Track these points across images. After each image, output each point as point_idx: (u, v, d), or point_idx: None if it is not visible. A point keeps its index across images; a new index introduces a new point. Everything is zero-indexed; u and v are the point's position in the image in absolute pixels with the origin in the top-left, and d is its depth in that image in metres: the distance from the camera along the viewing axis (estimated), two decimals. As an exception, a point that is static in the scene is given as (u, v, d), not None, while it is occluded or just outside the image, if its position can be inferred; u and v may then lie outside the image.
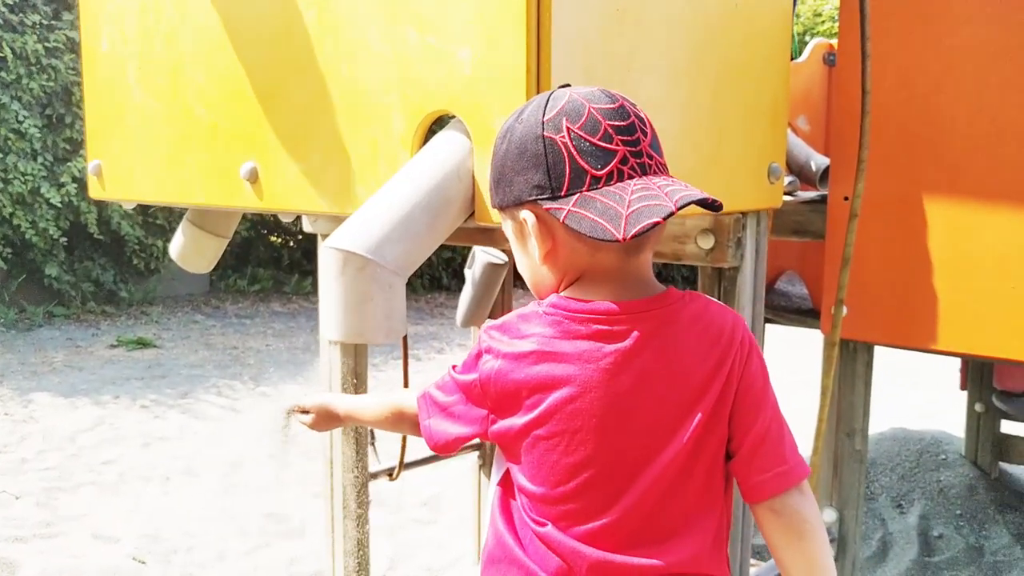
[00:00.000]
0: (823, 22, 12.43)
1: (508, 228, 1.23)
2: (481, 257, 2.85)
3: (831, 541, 2.53)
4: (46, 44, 7.71)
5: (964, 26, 2.12)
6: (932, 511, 3.77)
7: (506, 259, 2.84)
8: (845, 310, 2.24)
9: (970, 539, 3.61)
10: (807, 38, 3.37)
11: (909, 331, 2.26)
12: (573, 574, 1.17)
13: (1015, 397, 3.80)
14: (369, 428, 2.77)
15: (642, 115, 1.15)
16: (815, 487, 2.34)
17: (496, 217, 1.44)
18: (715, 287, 1.93)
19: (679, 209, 1.06)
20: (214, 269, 9.47)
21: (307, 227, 2.51)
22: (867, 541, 3.62)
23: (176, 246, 2.45)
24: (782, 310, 3.04)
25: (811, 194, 2.63)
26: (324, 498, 2.68)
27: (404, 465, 2.82)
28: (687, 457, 1.16)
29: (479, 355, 1.21)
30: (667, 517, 1.17)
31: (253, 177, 1.83)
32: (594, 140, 1.10)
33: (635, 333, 1.14)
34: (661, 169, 1.15)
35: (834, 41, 3.34)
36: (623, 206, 1.07)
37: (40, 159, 7.66)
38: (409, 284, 1.36)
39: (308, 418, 1.56)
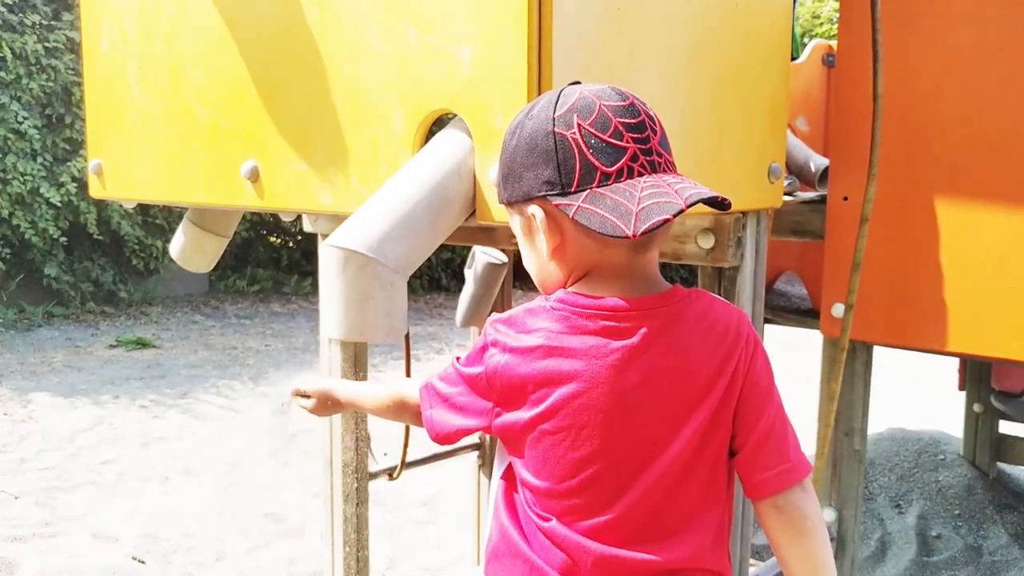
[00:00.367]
0: (821, 24, 12.45)
1: (516, 224, 1.23)
2: (481, 257, 2.86)
3: (830, 541, 2.54)
4: (46, 44, 7.72)
5: (963, 26, 2.12)
6: (930, 511, 3.78)
7: (505, 259, 2.85)
8: (843, 309, 2.24)
9: (968, 539, 3.61)
10: (805, 40, 3.38)
11: (908, 331, 2.26)
12: (578, 569, 1.17)
13: (1013, 397, 3.80)
14: (366, 433, 2.77)
15: (652, 113, 1.16)
16: (818, 490, 2.34)
17: (497, 215, 1.45)
18: (715, 287, 1.94)
19: (689, 207, 1.06)
20: (213, 269, 9.44)
21: (307, 227, 2.52)
22: (866, 541, 3.62)
23: (176, 245, 2.45)
24: (781, 310, 3.04)
25: (810, 194, 2.63)
26: (323, 498, 2.68)
27: (405, 464, 2.83)
28: (692, 453, 1.17)
29: (485, 348, 1.21)
30: (671, 513, 1.18)
31: (254, 176, 1.83)
32: (604, 137, 1.11)
33: (642, 330, 1.15)
34: (670, 167, 1.15)
35: (833, 43, 3.34)
36: (633, 203, 1.07)
37: (40, 159, 7.66)
38: (408, 285, 1.36)
39: (309, 402, 1.55)
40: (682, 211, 1.06)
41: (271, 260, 10.41)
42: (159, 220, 8.65)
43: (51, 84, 7.77)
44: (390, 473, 2.85)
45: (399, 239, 1.37)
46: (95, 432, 5.20)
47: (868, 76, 2.11)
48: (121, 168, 2.18)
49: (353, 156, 1.66)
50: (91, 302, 8.45)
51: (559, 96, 1.15)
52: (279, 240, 10.54)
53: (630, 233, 1.05)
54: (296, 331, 8.35)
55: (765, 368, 1.22)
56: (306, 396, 1.56)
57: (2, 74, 7.45)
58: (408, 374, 2.62)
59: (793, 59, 2.10)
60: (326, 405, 1.55)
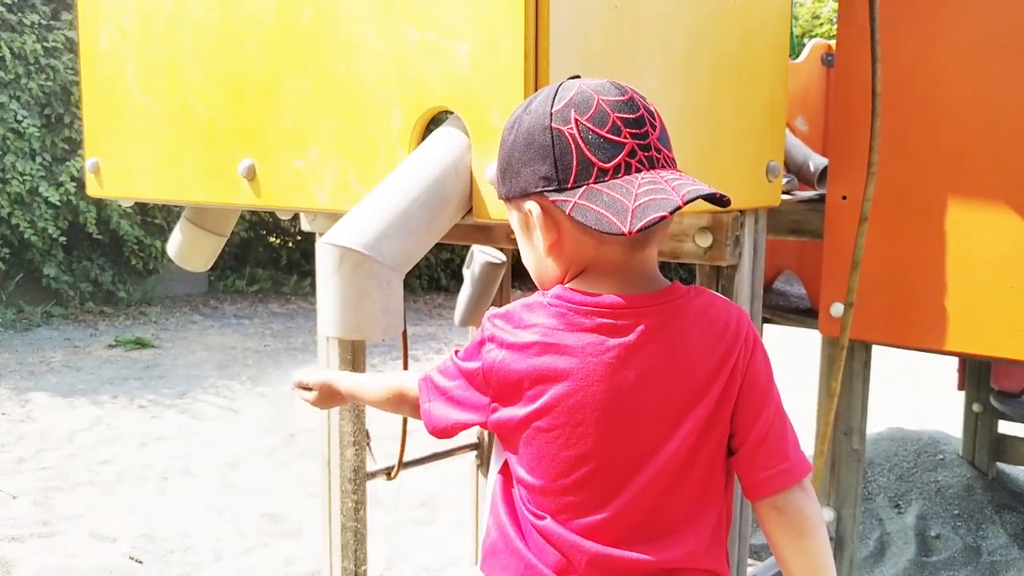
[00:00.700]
0: (821, 24, 12.45)
1: (513, 219, 1.22)
2: (479, 257, 2.85)
3: (829, 540, 2.53)
4: (45, 44, 7.72)
5: (962, 24, 2.12)
6: (930, 511, 3.77)
7: (504, 259, 2.84)
8: (842, 309, 2.24)
9: (967, 539, 3.61)
10: (805, 40, 3.38)
11: (907, 330, 2.26)
12: (572, 568, 1.16)
13: (1012, 397, 3.80)
14: (365, 430, 2.77)
15: (651, 108, 1.14)
16: (817, 489, 2.33)
17: (493, 213, 1.45)
18: (713, 285, 1.93)
19: (686, 204, 1.05)
20: (213, 269, 9.40)
21: (305, 226, 2.51)
22: (864, 541, 3.62)
23: (174, 244, 2.45)
24: (780, 310, 3.04)
25: (809, 193, 2.63)
26: (321, 498, 2.68)
27: (403, 464, 2.82)
28: (689, 452, 1.16)
29: (482, 343, 1.21)
30: (667, 512, 1.17)
31: (251, 175, 1.83)
32: (602, 132, 1.09)
33: (640, 327, 1.13)
34: (669, 163, 1.14)
35: (833, 42, 3.34)
36: (630, 199, 1.06)
37: (39, 159, 7.66)
38: (407, 285, 1.37)
39: (311, 395, 1.54)
40: (679, 208, 1.05)
41: (270, 260, 10.41)
42: (158, 220, 8.65)
43: (50, 84, 7.77)
44: (388, 473, 2.84)
45: (395, 237, 1.37)
46: (93, 432, 5.20)
47: (867, 75, 2.10)
48: (119, 167, 2.17)
49: (350, 154, 1.66)
50: (90, 302, 8.45)
51: (557, 91, 1.14)
52: (278, 240, 10.55)
53: (626, 230, 1.04)
54: (295, 331, 8.34)
55: (764, 366, 1.21)
56: (308, 388, 1.56)
57: (1, 74, 7.45)
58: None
59: (791, 58, 2.09)
60: (327, 397, 1.54)
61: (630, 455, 1.15)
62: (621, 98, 1.12)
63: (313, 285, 9.09)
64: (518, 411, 1.17)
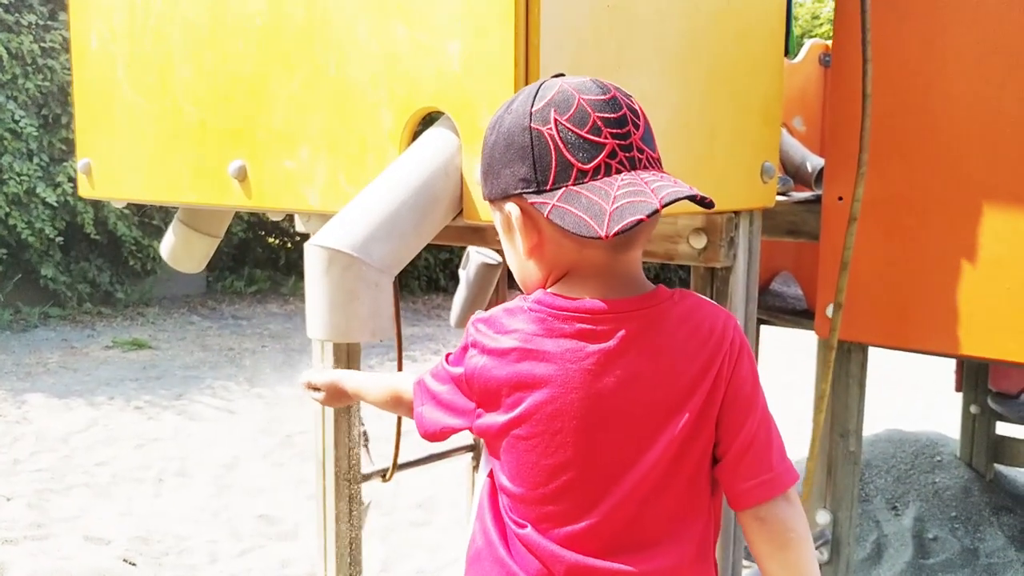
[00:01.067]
0: (821, 25, 12.44)
1: (497, 221, 1.20)
2: (475, 258, 2.85)
3: (825, 543, 2.52)
4: (42, 44, 7.71)
5: (957, 25, 2.11)
6: (927, 513, 3.76)
7: (500, 260, 2.83)
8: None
9: (965, 541, 3.59)
10: (804, 40, 3.37)
11: (904, 332, 2.25)
12: None
13: (1010, 399, 3.79)
14: (362, 430, 2.76)
15: (636, 107, 1.12)
16: (809, 491, 2.32)
17: (483, 215, 1.43)
18: (708, 287, 1.92)
19: (664, 207, 1.02)
20: (211, 270, 9.42)
21: (300, 227, 2.50)
22: (861, 543, 3.61)
23: (167, 246, 2.43)
24: (777, 311, 3.03)
25: (805, 194, 2.61)
26: (316, 499, 2.67)
27: (398, 466, 2.81)
28: (671, 461, 1.13)
29: (466, 348, 1.19)
30: (650, 522, 1.14)
31: (242, 175, 1.81)
32: (582, 132, 1.07)
33: (620, 333, 1.11)
34: (652, 164, 1.11)
35: (831, 42, 3.33)
36: (608, 202, 1.03)
37: (36, 159, 7.65)
38: (406, 286, 1.36)
39: (320, 395, 1.57)
40: (657, 212, 1.02)
41: (268, 261, 10.40)
42: (156, 221, 8.64)
43: (47, 84, 7.77)
44: (383, 475, 2.83)
45: (384, 239, 1.35)
46: (89, 433, 5.19)
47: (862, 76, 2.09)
48: (110, 167, 2.16)
49: (341, 154, 1.64)
50: (88, 303, 8.44)
51: (538, 89, 1.12)
52: (277, 241, 10.53)
53: (602, 234, 1.01)
54: (293, 332, 8.33)
55: (750, 373, 1.18)
56: (316, 389, 1.57)
57: (-2, 74, 7.44)
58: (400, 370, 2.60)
59: (787, 54, 2.08)
60: (335, 396, 1.56)
61: (610, 464, 1.12)
62: (603, 97, 1.09)
63: (311, 286, 9.07)
64: (498, 418, 1.15)
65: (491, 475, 1.24)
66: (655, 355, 1.12)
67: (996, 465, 4.05)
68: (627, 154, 1.08)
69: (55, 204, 7.68)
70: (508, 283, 3.16)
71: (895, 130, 2.18)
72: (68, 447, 4.93)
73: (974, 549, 3.55)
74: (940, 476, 3.96)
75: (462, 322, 3.00)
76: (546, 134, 1.08)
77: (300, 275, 10.41)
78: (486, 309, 3.02)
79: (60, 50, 7.77)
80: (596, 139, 1.07)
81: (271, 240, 10.50)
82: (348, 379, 1.54)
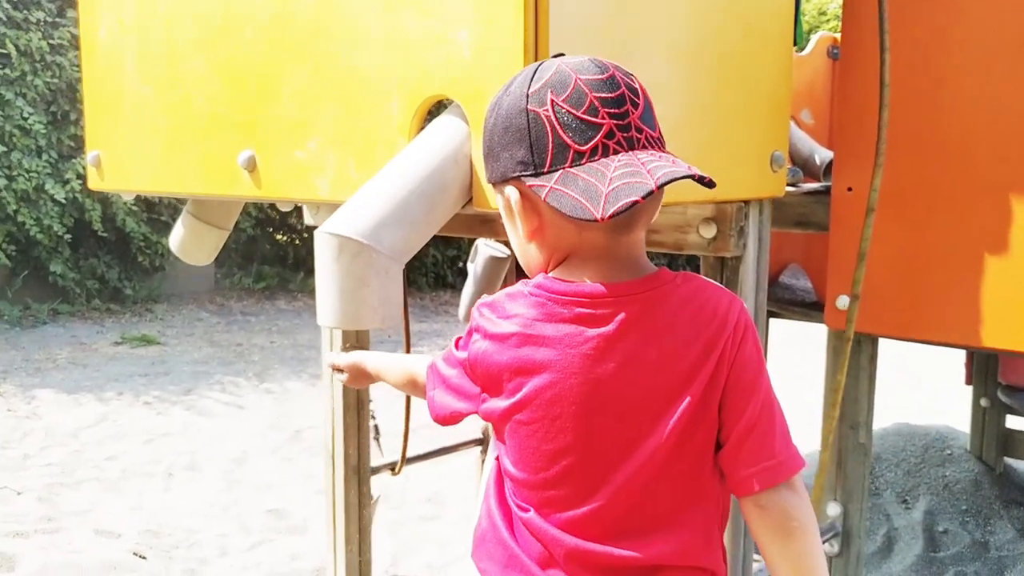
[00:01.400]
0: (828, 20, 12.40)
1: (499, 205, 1.19)
2: (483, 251, 2.84)
3: (835, 536, 2.51)
4: (50, 41, 7.73)
5: (968, 17, 2.10)
6: (937, 506, 3.75)
7: (508, 253, 2.83)
8: (847, 301, 2.22)
9: (975, 534, 3.58)
10: (810, 36, 3.35)
11: (914, 323, 2.24)
12: (553, 561, 1.14)
13: (1020, 392, 3.78)
14: (373, 423, 2.76)
15: (635, 85, 1.10)
16: (822, 483, 2.31)
17: (494, 202, 1.43)
18: (717, 277, 1.91)
19: (660, 187, 1.01)
20: (219, 266, 9.44)
21: (309, 219, 2.50)
22: (872, 536, 3.60)
23: (176, 238, 2.43)
24: (786, 303, 3.02)
25: (814, 185, 2.61)
26: (326, 493, 2.67)
27: (407, 460, 2.81)
28: (673, 446, 1.11)
29: (471, 332, 1.20)
30: (653, 507, 1.13)
31: (251, 166, 1.81)
32: (578, 113, 1.06)
33: (620, 316, 1.10)
34: (652, 143, 1.09)
35: (838, 35, 3.32)
36: (604, 183, 1.02)
37: (45, 156, 7.67)
38: (414, 282, 1.36)
39: (343, 376, 1.60)
40: (651, 193, 1.00)
41: (277, 257, 10.41)
42: (164, 217, 8.65)
43: (56, 81, 7.79)
44: (392, 468, 2.83)
45: (394, 226, 1.35)
46: (99, 428, 5.20)
47: (873, 66, 2.08)
48: (119, 159, 2.16)
49: (350, 144, 1.64)
50: (96, 299, 8.46)
51: (536, 70, 1.11)
52: (284, 237, 10.54)
53: (598, 216, 1.00)
54: (302, 328, 8.34)
55: (754, 355, 1.15)
56: (340, 370, 1.60)
57: (7, 71, 7.46)
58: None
59: (795, 46, 2.07)
60: (357, 376, 1.59)
61: (610, 449, 1.12)
62: (600, 76, 1.08)
63: (319, 282, 9.10)
64: (500, 403, 1.16)
65: (498, 459, 1.24)
66: (655, 339, 1.11)
67: (1006, 458, 4.03)
68: (625, 134, 1.06)
69: (64, 201, 7.70)
70: (516, 276, 3.16)
71: (906, 121, 2.17)
72: (78, 442, 4.94)
73: (984, 542, 3.54)
74: (950, 469, 3.94)
75: (470, 316, 2.99)
76: (543, 116, 1.07)
77: (308, 271, 10.46)
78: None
79: (69, 47, 7.78)
80: (593, 119, 1.06)
81: (279, 236, 10.51)
82: (370, 360, 1.57)
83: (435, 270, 10.59)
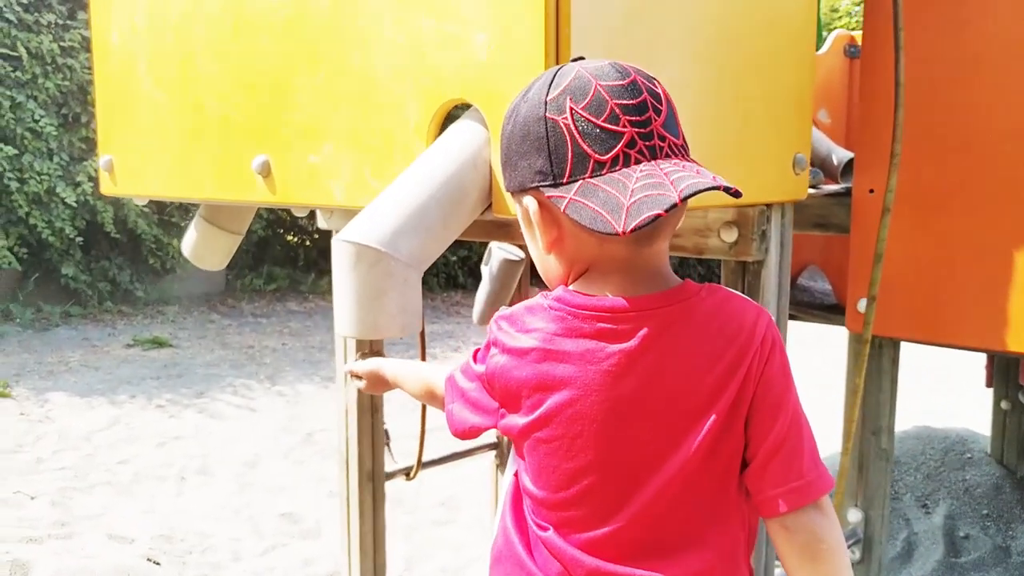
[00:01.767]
0: (840, 17, 12.34)
1: (518, 214, 1.16)
2: (497, 254, 2.82)
3: (857, 542, 2.48)
4: (61, 43, 7.73)
5: (988, 13, 2.06)
6: (958, 511, 3.70)
7: (523, 256, 2.80)
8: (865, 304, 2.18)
9: (997, 539, 3.53)
10: (824, 33, 3.31)
11: (935, 326, 2.20)
12: None
13: (1042, 394, 3.73)
14: (384, 429, 2.74)
15: (658, 90, 1.06)
16: (843, 487, 2.28)
17: (514, 209, 1.40)
18: (739, 282, 1.88)
19: (683, 200, 0.97)
20: (230, 268, 9.44)
21: (322, 223, 2.47)
22: (892, 541, 3.55)
23: (189, 243, 2.42)
24: (805, 306, 2.98)
25: (834, 187, 2.57)
26: (339, 498, 2.65)
27: (421, 464, 2.79)
28: (698, 465, 1.08)
29: (489, 346, 1.16)
30: (676, 527, 1.09)
31: (265, 171, 1.79)
32: (598, 121, 1.02)
33: (642, 332, 1.06)
34: (675, 151, 1.05)
35: (855, 33, 3.28)
36: (625, 195, 0.98)
37: (56, 158, 7.68)
38: (425, 283, 1.34)
39: (361, 383, 1.59)
40: (675, 206, 0.96)
41: (288, 259, 10.41)
42: (176, 219, 8.66)
43: (67, 83, 7.79)
44: (407, 473, 2.81)
45: (412, 233, 1.32)
46: (111, 432, 5.19)
47: (893, 65, 2.05)
48: (132, 164, 2.14)
49: (366, 149, 1.62)
50: (108, 301, 8.46)
51: (555, 76, 1.07)
52: (296, 239, 10.54)
53: (619, 230, 0.96)
54: (313, 330, 8.33)
55: (782, 371, 1.11)
56: (359, 377, 1.60)
57: (18, 74, 7.47)
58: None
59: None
60: (375, 383, 1.58)
61: (632, 468, 1.08)
62: (621, 82, 1.04)
63: (331, 284, 9.10)
64: (519, 420, 1.12)
65: (516, 475, 1.21)
66: (679, 354, 1.07)
67: (1027, 462, 3.99)
68: (647, 143, 1.02)
69: (75, 203, 7.70)
70: (531, 279, 3.13)
71: (925, 122, 2.13)
72: (91, 445, 4.94)
73: (1006, 547, 3.49)
74: (971, 473, 3.89)
75: (484, 319, 2.97)
76: (561, 124, 1.03)
77: (319, 273, 10.44)
78: (509, 306, 2.99)
79: (80, 49, 7.79)
80: (614, 128, 1.02)
81: (290, 238, 10.51)
82: (388, 367, 1.55)
83: (446, 271, 10.57)
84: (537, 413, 1.09)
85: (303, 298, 9.77)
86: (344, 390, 2.57)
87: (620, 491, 1.08)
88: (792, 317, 3.01)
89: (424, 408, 2.64)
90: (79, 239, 7.95)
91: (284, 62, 1.74)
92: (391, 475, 2.73)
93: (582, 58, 1.11)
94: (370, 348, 2.40)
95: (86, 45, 7.70)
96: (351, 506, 2.64)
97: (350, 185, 1.65)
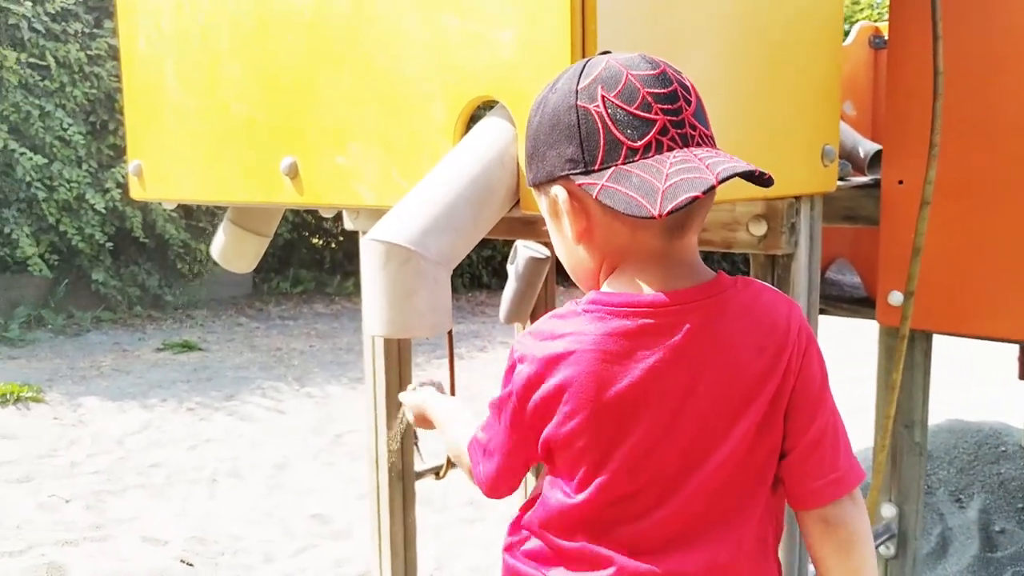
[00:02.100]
0: (861, 9, 12.23)
1: (543, 207, 1.14)
2: (523, 252, 2.81)
3: (891, 538, 2.45)
4: (88, 52, 7.82)
5: (1021, 2, 2.03)
6: (992, 505, 3.66)
7: (548, 254, 2.80)
8: (901, 298, 2.16)
9: (1033, 534, 3.49)
10: (845, 26, 3.29)
11: (969, 318, 2.18)
12: None
13: (1078, 386, 3.68)
14: (413, 429, 2.75)
15: (687, 83, 1.06)
16: (879, 484, 2.25)
17: (539, 201, 1.40)
18: (768, 276, 1.87)
19: (721, 182, 0.96)
20: (257, 271, 9.50)
21: (348, 224, 2.49)
22: (926, 537, 3.52)
23: (217, 246, 2.43)
24: (834, 300, 2.96)
25: (862, 179, 2.55)
26: (369, 498, 2.66)
27: (451, 463, 2.79)
28: (741, 458, 1.07)
29: (512, 367, 1.12)
30: (714, 518, 1.09)
31: (293, 172, 1.80)
32: (631, 109, 1.01)
33: (685, 326, 1.04)
34: (706, 140, 1.04)
35: (879, 24, 3.25)
36: (660, 180, 0.96)
37: (85, 166, 7.77)
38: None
39: (411, 415, 1.55)
40: (713, 188, 0.95)
41: (314, 261, 10.47)
42: (203, 223, 8.73)
43: (95, 91, 7.88)
44: (436, 472, 2.81)
45: (442, 231, 1.32)
46: (143, 435, 5.25)
47: (923, 55, 2.02)
48: (161, 168, 2.16)
49: (393, 148, 1.62)
50: (138, 306, 8.55)
51: (584, 67, 1.06)
52: (321, 241, 10.60)
53: (655, 213, 0.95)
54: (340, 331, 8.37)
55: (819, 365, 1.12)
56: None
57: (46, 83, 7.56)
58: (451, 373, 2.57)
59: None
60: (420, 420, 1.54)
61: (678, 464, 1.07)
62: (652, 72, 1.03)
63: (357, 285, 9.13)
64: (560, 427, 1.08)
65: (520, 517, 1.19)
66: (721, 348, 1.06)
67: (1062, 455, 3.94)
68: (679, 131, 1.02)
69: (104, 210, 7.79)
70: (556, 278, 3.13)
71: (959, 110, 2.11)
72: (123, 449, 4.99)
73: (1043, 542, 3.45)
74: (1005, 467, 3.85)
75: (511, 317, 2.97)
76: (593, 112, 1.02)
77: (345, 275, 10.48)
78: (534, 304, 2.99)
79: (106, 57, 7.87)
80: (646, 115, 1.01)
81: (315, 240, 10.57)
82: (433, 411, 1.50)
83: (471, 270, 10.58)
84: (580, 416, 1.06)
85: (329, 300, 9.82)
86: (372, 392, 2.58)
87: (662, 488, 1.07)
88: (821, 311, 2.99)
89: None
90: (109, 244, 8.03)
91: (309, 63, 1.75)
92: (421, 475, 2.73)
93: (609, 52, 1.11)
94: (398, 347, 2.41)
95: (113, 53, 7.79)
96: (381, 506, 2.65)
97: (377, 185, 1.66)
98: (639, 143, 1.01)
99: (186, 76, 2.02)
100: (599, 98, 1.02)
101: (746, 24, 1.62)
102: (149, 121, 2.16)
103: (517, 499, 3.40)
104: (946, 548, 3.48)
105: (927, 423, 2.44)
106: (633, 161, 1.00)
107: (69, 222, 7.66)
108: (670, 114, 1.02)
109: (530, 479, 1.98)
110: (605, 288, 1.10)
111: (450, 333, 2.40)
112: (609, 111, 1.02)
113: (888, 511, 2.46)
